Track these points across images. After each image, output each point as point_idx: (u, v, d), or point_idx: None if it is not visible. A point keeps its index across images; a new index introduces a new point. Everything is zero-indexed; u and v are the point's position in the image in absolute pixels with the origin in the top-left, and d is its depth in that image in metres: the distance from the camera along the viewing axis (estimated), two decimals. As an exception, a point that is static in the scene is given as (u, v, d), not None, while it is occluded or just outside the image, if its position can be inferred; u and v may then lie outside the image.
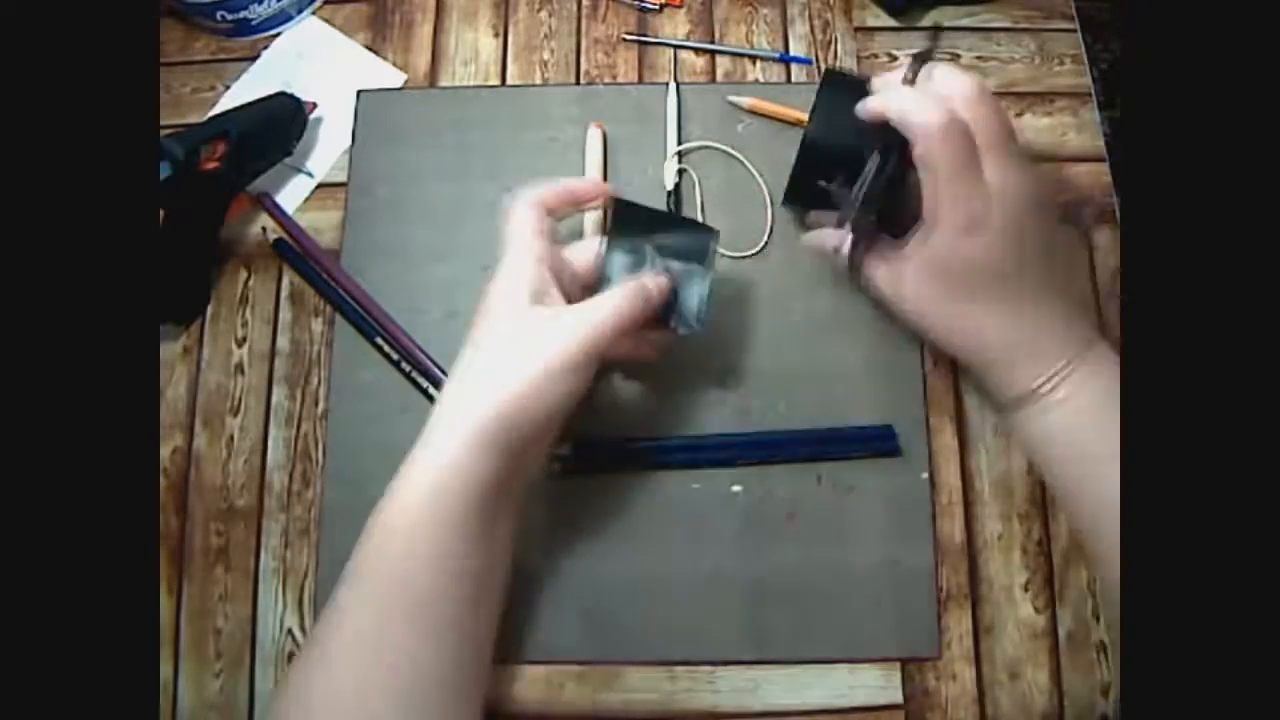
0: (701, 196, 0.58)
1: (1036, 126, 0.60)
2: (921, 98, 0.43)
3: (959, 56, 0.62)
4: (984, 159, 0.42)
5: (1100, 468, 0.43)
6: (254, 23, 0.62)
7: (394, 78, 0.62)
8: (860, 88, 0.51)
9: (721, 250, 0.56)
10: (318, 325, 0.56)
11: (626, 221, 0.48)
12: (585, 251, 0.48)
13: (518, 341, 0.41)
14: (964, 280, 0.44)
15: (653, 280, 0.46)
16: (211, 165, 0.52)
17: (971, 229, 0.42)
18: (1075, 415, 0.45)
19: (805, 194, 0.52)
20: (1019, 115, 0.60)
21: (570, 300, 0.44)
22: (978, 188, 0.42)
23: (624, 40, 0.63)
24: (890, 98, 0.44)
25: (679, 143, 0.59)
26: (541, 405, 0.41)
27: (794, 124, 0.58)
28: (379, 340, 0.55)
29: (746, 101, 0.60)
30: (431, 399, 0.53)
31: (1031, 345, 0.45)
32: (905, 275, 0.46)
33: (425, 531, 0.39)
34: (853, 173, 0.48)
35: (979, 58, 0.62)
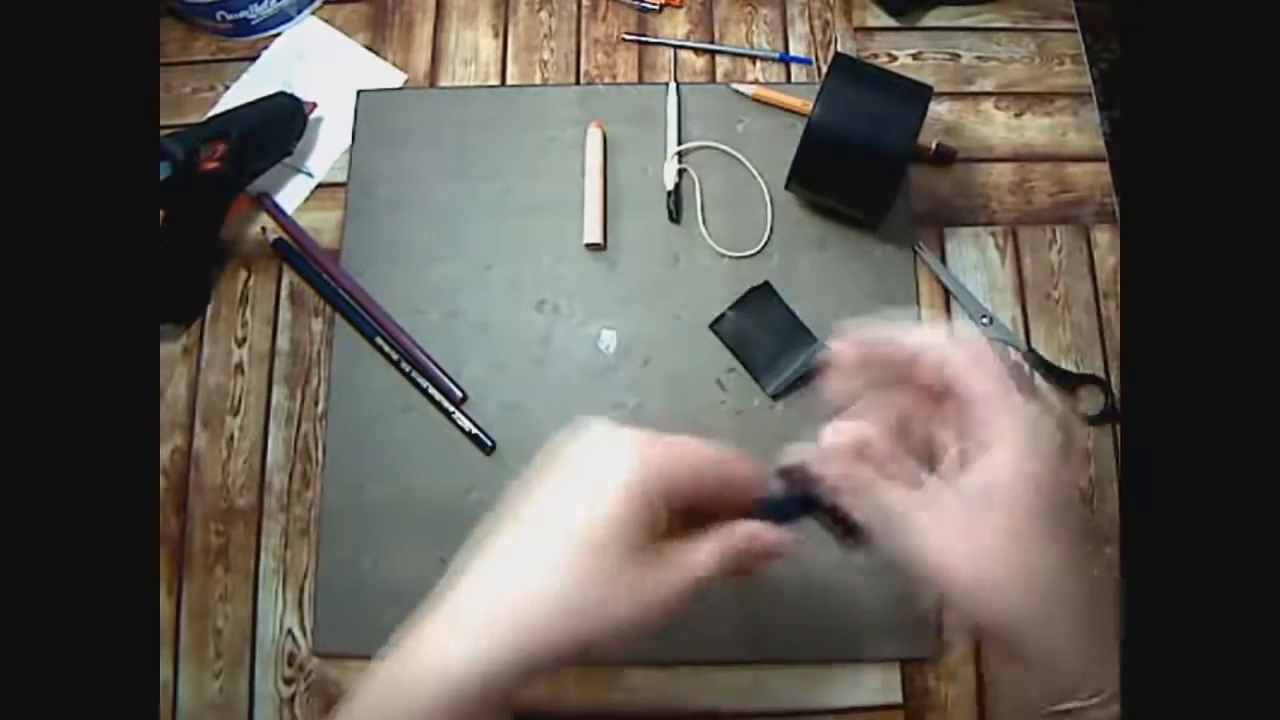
0: (701, 196, 0.58)
1: (1036, 126, 0.60)
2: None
3: (959, 56, 0.62)
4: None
5: None
6: (254, 23, 0.62)
7: (394, 78, 0.62)
8: (871, 75, 0.52)
9: (722, 250, 0.57)
10: (318, 325, 0.56)
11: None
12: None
13: (619, 578, 0.32)
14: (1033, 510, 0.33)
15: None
16: (211, 165, 0.52)
17: (1034, 444, 0.33)
18: None
19: (809, 177, 0.53)
20: (1019, 115, 0.61)
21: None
22: (1027, 406, 0.34)
23: (624, 40, 0.63)
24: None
25: (679, 142, 0.59)
26: (583, 653, 0.32)
27: (796, 113, 0.59)
28: (379, 340, 0.55)
29: (750, 90, 0.60)
30: (431, 399, 0.53)
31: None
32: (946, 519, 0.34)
33: None
34: (853, 164, 0.50)
35: (979, 58, 0.62)
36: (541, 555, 0.32)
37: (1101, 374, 0.55)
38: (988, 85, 0.61)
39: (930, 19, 0.63)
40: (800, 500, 0.35)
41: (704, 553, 0.33)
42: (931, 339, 0.34)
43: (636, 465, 0.32)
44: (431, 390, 0.54)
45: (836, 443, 0.35)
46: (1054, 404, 0.34)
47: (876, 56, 0.62)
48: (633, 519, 0.32)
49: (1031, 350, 0.55)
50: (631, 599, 0.32)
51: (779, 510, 0.35)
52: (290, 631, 0.51)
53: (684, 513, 0.34)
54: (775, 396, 0.53)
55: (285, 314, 0.57)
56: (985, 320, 0.55)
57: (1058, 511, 0.33)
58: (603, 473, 0.33)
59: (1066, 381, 0.54)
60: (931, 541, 0.33)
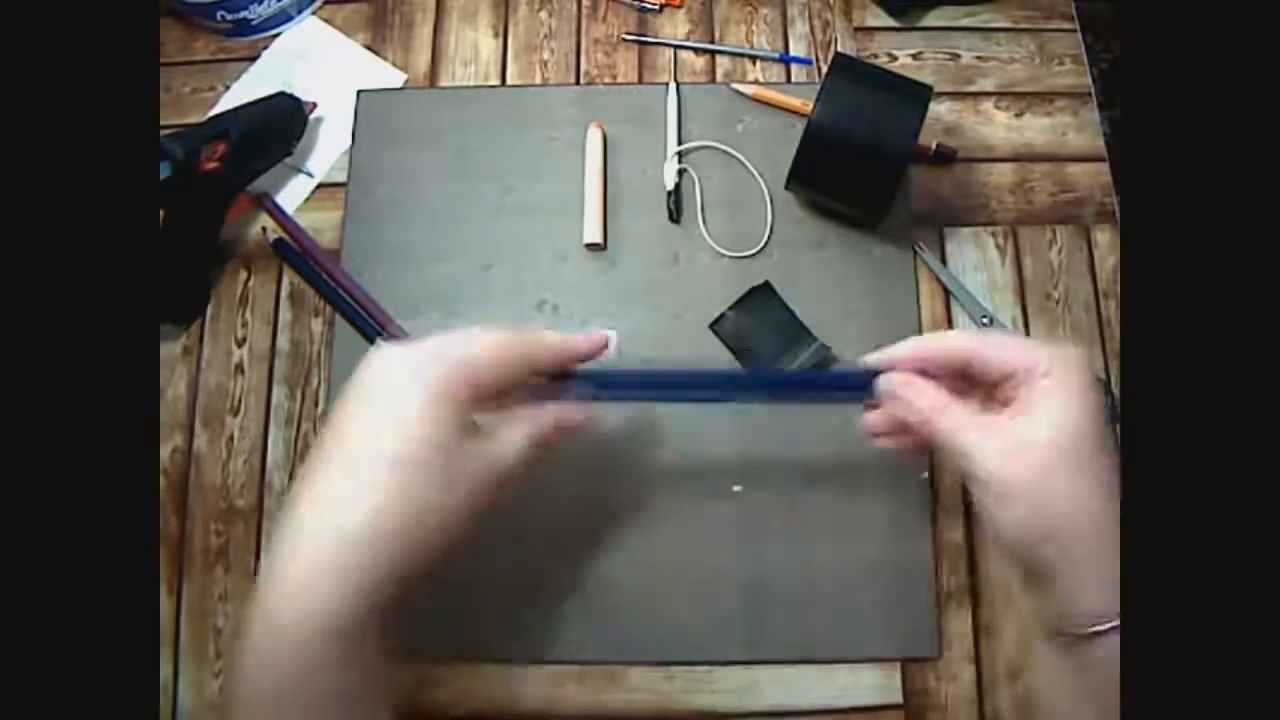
0: (701, 196, 0.58)
1: (1036, 126, 0.60)
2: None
3: (959, 56, 0.62)
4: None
5: None
6: (254, 23, 0.62)
7: (394, 78, 0.62)
8: (871, 75, 0.52)
9: (722, 250, 0.57)
10: (318, 325, 0.56)
11: None
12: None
13: (436, 478, 0.34)
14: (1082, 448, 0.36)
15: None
16: (212, 165, 0.52)
17: (1082, 382, 0.37)
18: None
19: (809, 177, 0.53)
20: (1019, 115, 0.61)
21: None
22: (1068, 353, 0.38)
23: (624, 40, 0.63)
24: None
25: (679, 143, 0.59)
26: (432, 555, 0.34)
27: (796, 113, 0.59)
28: (379, 340, 0.55)
29: (750, 89, 0.60)
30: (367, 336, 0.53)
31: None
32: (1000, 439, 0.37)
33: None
34: (853, 164, 0.51)
35: (979, 58, 0.62)
36: (352, 487, 0.33)
37: (1102, 374, 0.55)
38: (988, 85, 0.61)
39: (930, 19, 0.63)
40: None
41: (511, 442, 0.37)
42: (972, 340, 0.38)
43: (427, 374, 0.34)
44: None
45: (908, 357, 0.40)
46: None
47: (876, 56, 0.62)
48: (434, 425, 0.34)
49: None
50: (449, 502, 0.34)
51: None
52: (290, 631, 0.51)
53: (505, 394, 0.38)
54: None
55: (285, 314, 0.57)
56: (985, 320, 0.55)
57: (1101, 443, 0.36)
58: (396, 390, 0.34)
59: None
60: (990, 447, 0.36)
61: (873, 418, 0.43)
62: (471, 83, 0.62)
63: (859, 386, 0.41)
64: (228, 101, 0.62)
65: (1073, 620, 0.35)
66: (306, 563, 0.32)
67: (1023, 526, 0.36)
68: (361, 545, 0.32)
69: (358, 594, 0.32)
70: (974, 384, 0.39)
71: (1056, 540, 0.35)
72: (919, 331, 0.55)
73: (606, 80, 0.62)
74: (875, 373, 0.40)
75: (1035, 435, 0.36)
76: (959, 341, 0.39)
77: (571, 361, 0.41)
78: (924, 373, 0.39)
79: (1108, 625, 0.35)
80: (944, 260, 0.57)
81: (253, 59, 0.63)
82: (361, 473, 0.33)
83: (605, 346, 0.42)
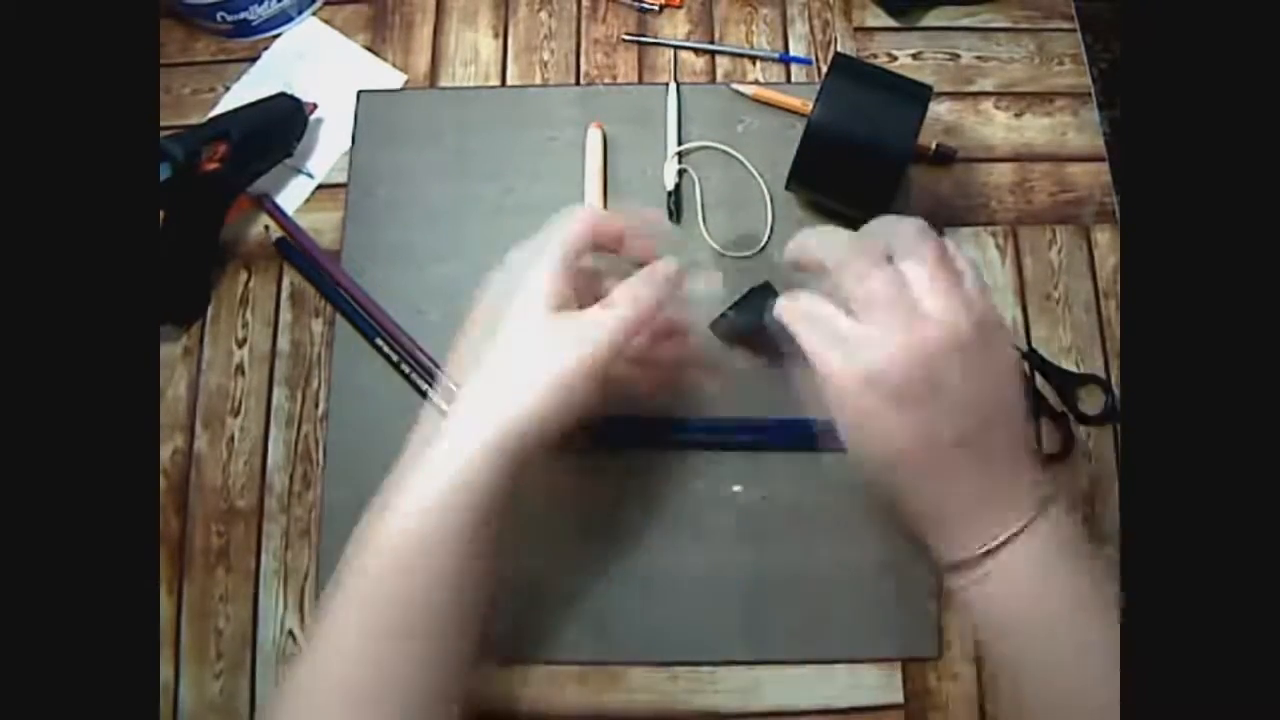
0: (702, 197, 0.58)
1: (1036, 126, 0.60)
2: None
3: (959, 56, 0.62)
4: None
5: (1047, 639, 0.37)
6: (254, 24, 0.63)
7: (394, 78, 0.62)
8: (871, 75, 0.53)
9: (722, 250, 0.57)
10: (318, 326, 0.56)
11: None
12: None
13: (534, 351, 0.40)
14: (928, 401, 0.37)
15: (661, 273, 0.43)
16: (212, 166, 0.52)
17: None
18: (1022, 583, 0.37)
19: (809, 177, 0.53)
20: (1019, 115, 0.61)
21: None
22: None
23: (624, 41, 0.63)
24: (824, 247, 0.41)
25: (679, 143, 0.59)
26: (556, 418, 0.39)
27: (796, 113, 0.59)
28: (379, 341, 0.55)
29: (750, 90, 0.60)
30: (419, 389, 0.53)
31: (1000, 497, 0.37)
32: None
33: (428, 547, 0.38)
34: (853, 164, 0.51)
35: (979, 57, 0.62)
36: (477, 351, 0.41)
37: (1102, 373, 0.55)
38: (988, 85, 0.61)
39: (930, 19, 0.63)
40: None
41: (615, 304, 0.41)
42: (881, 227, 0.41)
43: (535, 297, 0.41)
44: (418, 382, 0.54)
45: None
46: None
47: (876, 57, 0.62)
48: (540, 282, 0.40)
49: (1032, 350, 0.55)
50: (559, 349, 0.39)
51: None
52: (291, 632, 0.51)
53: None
54: None
55: (286, 315, 0.57)
56: None
57: (985, 340, 0.37)
58: (518, 273, 0.42)
59: (1067, 381, 0.54)
60: (871, 354, 0.36)
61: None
62: (471, 83, 0.62)
63: None
64: (228, 102, 0.62)
65: (960, 554, 0.38)
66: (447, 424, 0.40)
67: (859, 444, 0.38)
68: (473, 415, 0.40)
69: (476, 453, 0.38)
70: None
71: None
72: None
73: (606, 81, 0.62)
74: None
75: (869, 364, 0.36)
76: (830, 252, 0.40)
77: (628, 250, 0.45)
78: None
79: (983, 549, 0.37)
80: (944, 260, 0.57)
81: (253, 60, 0.63)
82: (478, 364, 0.41)
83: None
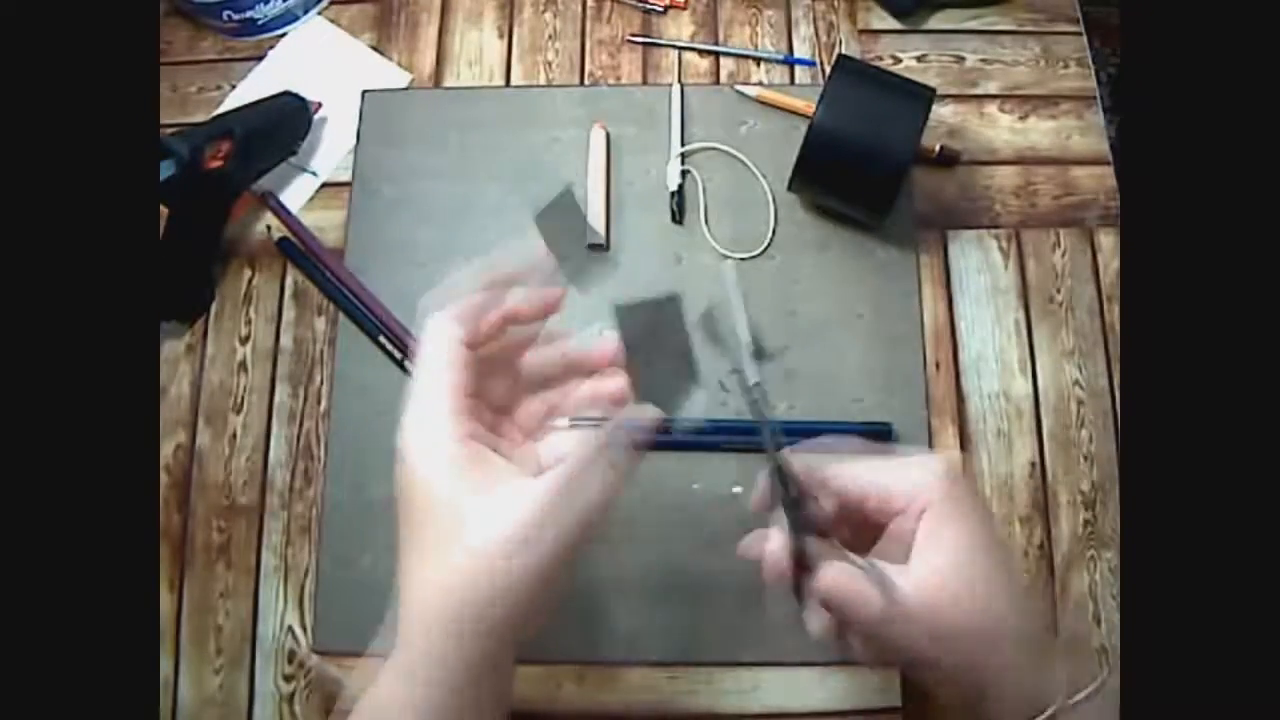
0: (704, 197, 0.58)
1: (1041, 129, 0.60)
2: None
3: (964, 59, 0.62)
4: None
5: None
6: (260, 22, 0.63)
7: (399, 78, 0.62)
8: (874, 77, 0.53)
9: (724, 251, 0.57)
10: (321, 324, 0.57)
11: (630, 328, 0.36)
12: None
13: (443, 526, 0.32)
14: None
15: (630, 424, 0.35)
16: (216, 164, 0.52)
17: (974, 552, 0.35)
18: None
19: (812, 178, 0.53)
20: (1023, 118, 0.60)
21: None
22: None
23: (628, 41, 0.63)
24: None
25: (682, 144, 0.59)
26: (534, 611, 0.33)
27: (800, 115, 0.59)
28: (382, 339, 0.55)
29: (754, 91, 0.60)
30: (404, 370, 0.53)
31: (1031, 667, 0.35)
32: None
33: None
34: (856, 166, 0.50)
35: (983, 60, 0.62)
36: (408, 574, 0.33)
37: (1104, 378, 0.54)
38: (992, 88, 0.61)
39: (935, 21, 0.63)
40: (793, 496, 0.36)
41: (586, 468, 0.33)
42: (872, 479, 0.36)
43: (418, 430, 0.33)
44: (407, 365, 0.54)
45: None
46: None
47: (881, 59, 0.62)
48: (439, 481, 0.32)
49: (758, 385, 0.52)
50: (471, 523, 0.31)
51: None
52: (291, 629, 0.51)
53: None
54: None
55: (289, 312, 0.57)
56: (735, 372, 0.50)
57: (994, 553, 0.35)
58: (403, 465, 0.33)
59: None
60: (910, 585, 0.33)
61: (818, 625, 0.39)
62: (476, 83, 0.62)
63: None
64: (233, 101, 0.62)
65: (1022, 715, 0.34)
66: (405, 639, 0.33)
67: (938, 644, 0.34)
68: (430, 628, 0.32)
69: (449, 677, 0.32)
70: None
71: (978, 652, 0.34)
72: (921, 333, 0.55)
73: (610, 81, 0.62)
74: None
75: (934, 564, 0.34)
76: (857, 475, 0.36)
77: (511, 283, 0.37)
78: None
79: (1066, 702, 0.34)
80: (947, 263, 0.57)
81: (259, 58, 0.63)
82: (406, 559, 0.34)
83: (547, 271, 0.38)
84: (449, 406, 0.33)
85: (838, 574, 0.34)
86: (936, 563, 0.34)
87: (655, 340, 0.35)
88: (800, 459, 0.36)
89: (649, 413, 0.35)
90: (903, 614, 0.33)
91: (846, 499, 0.36)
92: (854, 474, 0.36)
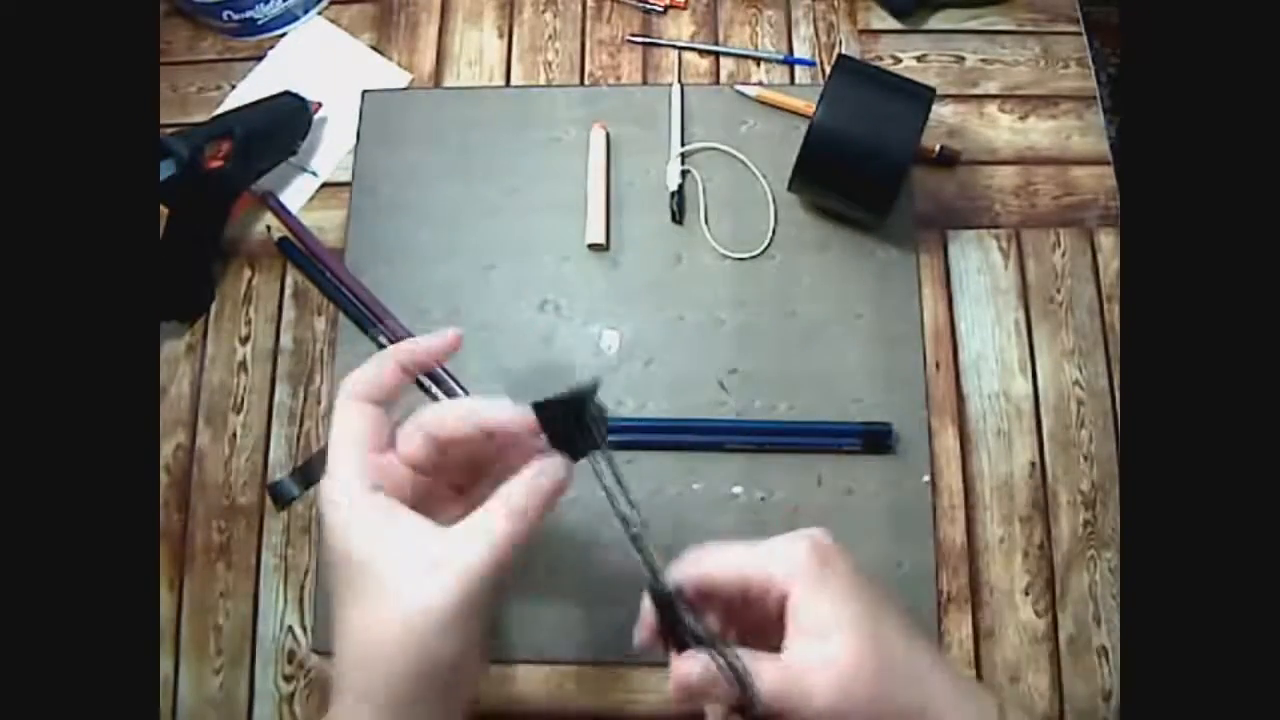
0: (704, 197, 0.58)
1: (1041, 129, 0.60)
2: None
3: (964, 59, 0.62)
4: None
5: None
6: (260, 22, 0.63)
7: (399, 78, 0.62)
8: (874, 77, 0.53)
9: (724, 251, 0.57)
10: (321, 324, 0.57)
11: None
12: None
13: (365, 587, 0.32)
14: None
15: (543, 476, 0.34)
16: (216, 164, 0.52)
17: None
18: None
19: (812, 178, 0.53)
20: (1023, 118, 0.60)
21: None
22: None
23: (628, 41, 0.63)
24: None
25: (682, 144, 0.59)
26: (444, 661, 0.32)
27: (800, 115, 0.59)
28: (382, 339, 0.55)
29: (754, 91, 0.60)
30: (434, 397, 0.54)
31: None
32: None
33: None
34: (856, 166, 0.50)
35: (984, 60, 0.62)
36: (336, 621, 0.33)
37: (1106, 380, 0.54)
38: (992, 88, 0.61)
39: (935, 21, 0.63)
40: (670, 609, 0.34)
41: (487, 522, 0.32)
42: (753, 567, 0.34)
43: (333, 488, 0.33)
44: (433, 389, 0.54)
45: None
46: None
47: (881, 59, 0.62)
48: (349, 534, 0.32)
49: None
50: (406, 606, 0.31)
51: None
52: (291, 629, 0.51)
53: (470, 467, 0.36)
54: None
55: (289, 312, 0.57)
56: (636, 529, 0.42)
57: (886, 609, 0.33)
58: (323, 520, 0.33)
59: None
60: (810, 682, 0.31)
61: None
62: (476, 83, 0.62)
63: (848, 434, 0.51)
64: (233, 100, 0.62)
65: None
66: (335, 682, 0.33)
67: None
68: (348, 671, 0.33)
69: (376, 715, 0.32)
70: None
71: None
72: (921, 333, 0.55)
73: (610, 81, 0.62)
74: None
75: (835, 646, 0.32)
76: (727, 562, 0.35)
77: (425, 368, 0.38)
78: (707, 595, 0.35)
79: None
80: (947, 263, 0.57)
81: (259, 58, 0.63)
82: (334, 607, 0.34)
83: (452, 343, 0.38)
84: (356, 464, 0.34)
85: (691, 667, 0.32)
86: (806, 641, 0.32)
87: (579, 429, 0.34)
88: (678, 564, 0.35)
89: (559, 471, 0.35)
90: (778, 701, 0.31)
91: (727, 591, 0.34)
92: (725, 561, 0.35)
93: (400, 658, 0.31)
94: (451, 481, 0.37)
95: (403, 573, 0.31)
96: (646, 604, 0.34)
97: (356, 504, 0.33)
